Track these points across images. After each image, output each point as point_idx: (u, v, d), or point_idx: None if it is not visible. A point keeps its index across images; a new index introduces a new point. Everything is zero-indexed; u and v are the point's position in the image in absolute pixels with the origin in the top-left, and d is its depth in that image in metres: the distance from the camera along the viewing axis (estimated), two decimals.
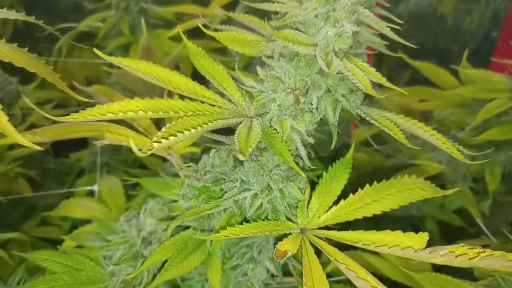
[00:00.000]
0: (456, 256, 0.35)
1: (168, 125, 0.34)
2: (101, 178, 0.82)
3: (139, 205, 0.69)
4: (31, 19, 0.53)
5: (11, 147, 0.97)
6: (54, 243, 0.69)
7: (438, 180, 0.88)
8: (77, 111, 0.50)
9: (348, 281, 0.55)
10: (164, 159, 0.68)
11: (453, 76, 0.86)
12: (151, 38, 1.05)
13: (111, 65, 1.19)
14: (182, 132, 0.33)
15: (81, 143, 1.14)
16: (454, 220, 0.83)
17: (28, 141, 0.58)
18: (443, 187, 0.92)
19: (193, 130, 0.34)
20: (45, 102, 1.13)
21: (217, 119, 0.37)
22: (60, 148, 1.17)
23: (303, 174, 0.39)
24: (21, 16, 0.62)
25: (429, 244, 0.98)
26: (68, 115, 0.36)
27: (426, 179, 0.80)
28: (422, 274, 0.54)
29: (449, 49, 1.87)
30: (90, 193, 0.90)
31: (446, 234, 0.95)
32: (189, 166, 0.52)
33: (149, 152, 0.31)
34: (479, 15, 1.83)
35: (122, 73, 1.01)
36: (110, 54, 1.33)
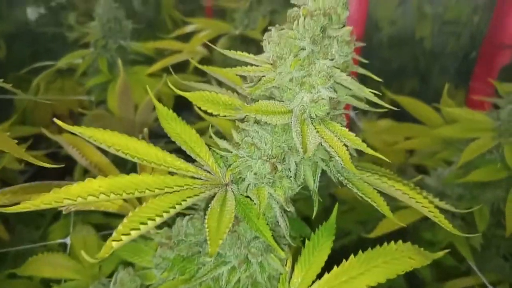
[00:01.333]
0: None
1: (130, 214, 0.31)
2: (74, 229, 0.77)
3: (113, 265, 0.65)
4: None
5: None
6: None
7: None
8: (54, 153, 0.46)
9: None
10: None
11: (436, 111, 0.85)
12: (129, 75, 1.02)
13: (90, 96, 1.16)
14: (146, 223, 0.30)
15: (60, 176, 1.09)
16: (445, 259, 0.81)
17: None
18: (432, 224, 0.90)
19: (158, 219, 0.31)
20: (20, 141, 1.08)
21: (187, 198, 0.34)
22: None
23: (283, 254, 0.36)
24: None
25: (421, 285, 0.94)
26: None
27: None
28: None
29: (429, 71, 1.91)
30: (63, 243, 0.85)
31: (437, 271, 0.92)
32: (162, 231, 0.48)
33: (107, 255, 0.27)
34: (457, 37, 1.88)
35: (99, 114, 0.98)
36: (89, 92, 1.27)
